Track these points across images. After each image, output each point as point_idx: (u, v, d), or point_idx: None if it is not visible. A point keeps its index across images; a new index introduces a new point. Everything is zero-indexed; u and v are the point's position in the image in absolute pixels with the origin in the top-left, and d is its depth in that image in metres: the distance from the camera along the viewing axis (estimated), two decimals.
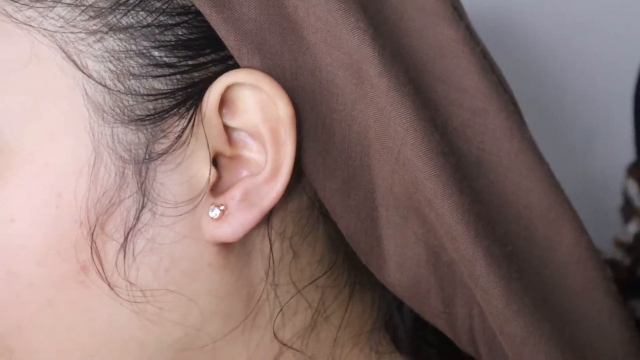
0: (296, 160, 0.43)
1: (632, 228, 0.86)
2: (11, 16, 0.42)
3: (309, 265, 0.46)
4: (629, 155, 0.90)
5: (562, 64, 0.95)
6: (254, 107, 0.42)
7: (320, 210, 0.45)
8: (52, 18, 0.42)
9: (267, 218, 0.44)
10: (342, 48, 0.42)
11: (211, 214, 0.43)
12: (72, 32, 0.42)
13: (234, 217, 0.43)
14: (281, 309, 0.45)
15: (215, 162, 0.43)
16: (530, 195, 0.44)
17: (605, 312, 0.44)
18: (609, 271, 0.45)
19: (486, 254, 0.42)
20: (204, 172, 0.42)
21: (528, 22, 0.91)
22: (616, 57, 0.94)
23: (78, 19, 0.42)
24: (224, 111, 0.43)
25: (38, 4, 0.42)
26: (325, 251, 0.46)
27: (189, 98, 0.42)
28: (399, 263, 0.45)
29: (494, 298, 0.42)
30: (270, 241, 0.44)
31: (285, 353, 0.46)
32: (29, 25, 0.42)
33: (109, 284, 0.42)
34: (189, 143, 0.42)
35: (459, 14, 0.45)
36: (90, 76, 0.41)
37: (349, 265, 0.47)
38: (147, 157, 0.42)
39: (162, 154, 0.42)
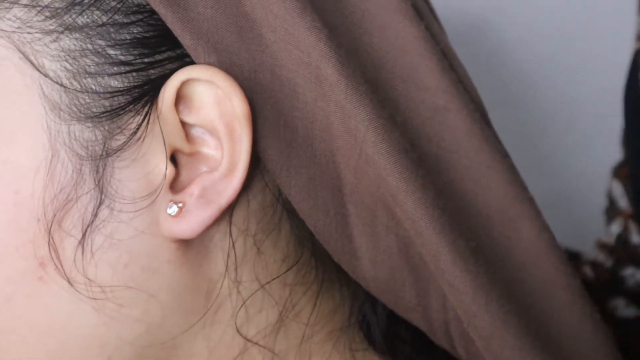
0: (258, 158, 0.43)
1: (614, 229, 0.86)
2: None
3: (274, 261, 0.46)
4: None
5: (561, 64, 0.94)
6: (210, 103, 0.43)
7: (285, 207, 0.46)
8: (9, 19, 0.42)
9: (229, 215, 0.44)
10: (300, 46, 0.42)
11: (169, 211, 0.43)
12: (28, 33, 0.42)
13: (192, 214, 0.43)
14: (243, 305, 0.46)
15: (174, 159, 0.43)
16: (489, 193, 0.45)
17: (566, 308, 0.45)
18: (571, 267, 0.45)
19: (451, 248, 0.43)
20: (161, 168, 0.43)
21: (528, 22, 0.91)
22: (616, 57, 0.93)
23: (34, 19, 0.42)
24: (181, 107, 0.43)
25: None
26: (291, 248, 0.46)
27: (144, 94, 0.42)
28: (372, 259, 0.45)
29: (460, 292, 0.43)
30: (231, 238, 0.45)
31: (250, 350, 0.46)
32: None
33: (68, 280, 0.43)
34: (144, 139, 0.43)
35: (419, 13, 0.45)
36: (46, 75, 0.42)
37: (316, 262, 0.47)
38: (103, 153, 0.42)
39: (118, 150, 0.42)
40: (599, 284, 0.80)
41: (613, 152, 0.92)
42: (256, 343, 0.46)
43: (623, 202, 0.87)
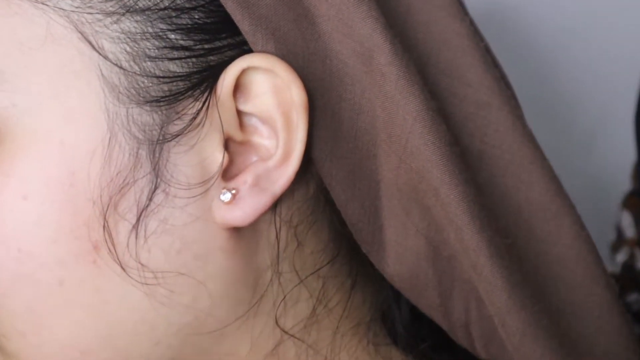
0: (305, 147, 0.43)
1: (620, 257, 0.87)
2: None
3: (312, 254, 0.46)
4: (628, 157, 0.90)
5: (562, 63, 0.95)
6: (268, 91, 0.43)
7: (326, 200, 0.46)
8: None
9: (275, 205, 0.44)
10: (353, 36, 0.42)
11: (222, 198, 0.43)
12: (88, 13, 0.42)
13: (246, 202, 0.43)
14: (284, 297, 0.46)
15: (226, 147, 0.43)
16: (532, 188, 0.45)
17: (605, 306, 0.45)
18: (605, 266, 0.45)
19: (490, 244, 0.43)
20: (217, 155, 0.43)
21: (528, 22, 0.91)
22: (616, 57, 0.94)
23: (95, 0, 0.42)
24: (238, 95, 0.43)
25: None
26: (329, 241, 0.47)
27: (204, 81, 0.42)
28: (399, 254, 0.45)
29: (497, 289, 0.43)
30: (276, 229, 0.45)
31: (285, 342, 0.47)
32: (45, 4, 0.42)
33: (120, 265, 0.42)
34: (203, 125, 0.43)
35: (464, 9, 0.46)
36: (106, 57, 0.42)
37: (351, 257, 0.47)
38: (161, 138, 0.42)
39: (176, 135, 0.42)
40: None
41: (613, 152, 0.93)
42: (293, 335, 0.46)
43: (630, 232, 0.88)
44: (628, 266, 0.86)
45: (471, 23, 0.45)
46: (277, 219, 0.45)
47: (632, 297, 0.82)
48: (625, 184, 0.91)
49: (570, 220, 0.45)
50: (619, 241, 0.88)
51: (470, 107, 0.45)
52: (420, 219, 0.44)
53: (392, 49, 0.42)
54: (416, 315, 0.49)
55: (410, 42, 0.44)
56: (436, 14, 0.45)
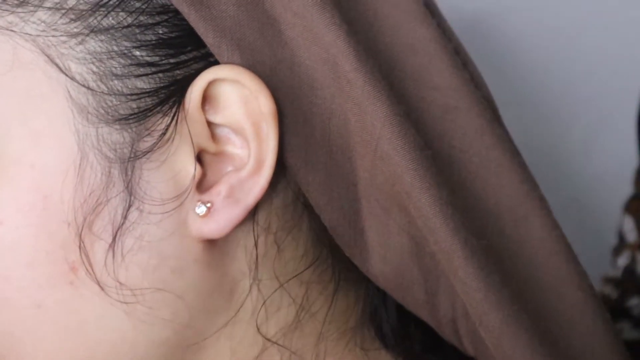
0: (279, 155, 0.43)
1: (621, 262, 0.86)
2: None
3: (292, 259, 0.46)
4: (627, 157, 0.90)
5: (561, 64, 0.95)
6: (236, 103, 0.43)
7: (305, 205, 0.46)
8: (34, 22, 0.42)
9: (253, 213, 0.44)
10: (318, 43, 0.42)
11: (197, 211, 0.43)
12: (53, 36, 0.42)
13: (220, 214, 0.43)
14: (263, 303, 0.46)
15: (200, 159, 0.44)
16: (500, 192, 0.45)
17: (578, 307, 0.45)
18: (581, 267, 0.45)
19: (464, 246, 0.43)
20: (189, 168, 0.43)
21: (528, 23, 0.91)
22: (617, 58, 0.94)
23: (59, 22, 0.42)
24: (207, 107, 0.43)
25: (19, 9, 0.42)
26: (309, 246, 0.46)
27: (171, 95, 0.43)
28: (382, 255, 0.45)
29: (472, 289, 0.43)
30: (255, 236, 0.45)
31: (269, 349, 0.46)
32: (11, 31, 0.42)
33: (98, 284, 0.42)
34: (172, 140, 0.43)
35: (430, 11, 0.46)
36: (73, 78, 0.42)
37: (333, 261, 0.47)
38: (132, 155, 0.42)
39: (147, 151, 0.42)
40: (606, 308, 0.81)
41: (613, 153, 0.93)
42: (275, 342, 0.46)
43: (632, 236, 0.88)
44: (630, 270, 0.86)
45: (438, 26, 0.45)
46: (256, 226, 0.45)
47: (634, 301, 0.82)
48: (626, 187, 0.91)
49: (540, 222, 0.45)
50: (621, 245, 0.88)
51: (438, 111, 0.45)
52: (401, 217, 0.44)
53: (356, 55, 0.42)
54: (404, 317, 0.49)
55: (377, 47, 0.45)
56: (402, 18, 0.45)
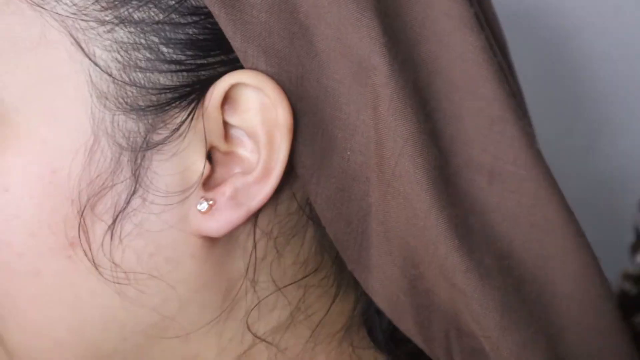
0: (290, 163, 0.44)
1: (639, 259, 0.87)
2: None
3: (293, 265, 0.47)
4: (628, 160, 0.90)
5: (561, 64, 0.94)
6: (255, 109, 0.43)
7: (310, 216, 0.46)
8: (65, 4, 0.43)
9: (255, 217, 0.45)
10: (351, 56, 0.42)
11: (199, 207, 0.44)
12: (83, 20, 0.42)
13: (221, 214, 0.44)
14: (257, 304, 0.46)
15: (210, 156, 0.44)
16: (544, 209, 0.44)
17: (606, 326, 0.44)
18: (611, 290, 0.45)
19: (479, 266, 0.42)
20: (199, 165, 0.43)
21: (528, 22, 0.91)
22: (618, 60, 0.94)
23: (91, 7, 0.42)
24: (226, 107, 0.43)
25: None
26: (311, 254, 0.47)
27: (192, 92, 0.43)
28: (380, 278, 0.45)
29: (490, 310, 0.42)
30: (254, 240, 0.45)
31: (257, 345, 0.47)
32: (42, 8, 0.43)
33: (94, 263, 0.44)
34: (186, 135, 0.43)
35: (480, 21, 0.45)
36: (96, 64, 0.42)
37: (336, 269, 0.48)
38: (144, 145, 0.43)
39: (159, 143, 0.43)
40: (624, 302, 0.82)
41: (614, 153, 0.93)
42: (264, 340, 0.47)
43: None
44: None
45: (487, 38, 0.45)
46: (258, 230, 0.45)
47: None
48: (633, 187, 0.91)
49: (579, 241, 0.44)
50: (638, 242, 0.88)
51: (484, 122, 0.44)
52: (399, 253, 0.44)
53: (389, 70, 0.42)
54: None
55: (421, 56, 0.44)
56: (452, 25, 0.44)
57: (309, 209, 0.46)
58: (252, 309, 0.46)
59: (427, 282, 0.44)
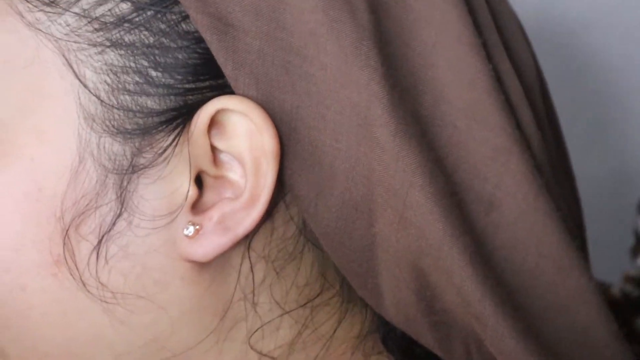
0: (288, 190, 0.44)
1: None
2: (23, 16, 0.43)
3: (295, 287, 0.46)
4: (629, 158, 0.90)
5: (561, 63, 0.94)
6: (242, 135, 0.43)
7: (309, 239, 0.46)
8: (60, 24, 0.43)
9: (248, 241, 0.45)
10: (350, 86, 0.41)
11: (185, 232, 0.43)
12: (75, 41, 0.43)
13: (207, 239, 0.43)
14: (260, 327, 0.46)
15: (201, 180, 0.44)
16: (544, 241, 0.44)
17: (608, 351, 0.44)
18: (610, 313, 0.45)
19: (493, 294, 0.42)
20: (185, 188, 0.43)
21: (528, 21, 0.92)
22: (617, 57, 0.93)
23: (83, 29, 0.43)
24: (213, 132, 0.43)
25: (48, 8, 0.43)
26: (314, 275, 0.46)
27: (179, 116, 0.43)
28: (394, 303, 0.45)
29: (506, 337, 0.42)
30: (250, 263, 0.45)
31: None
32: (37, 29, 0.43)
33: (81, 281, 0.44)
34: (170, 159, 0.43)
35: (487, 52, 0.44)
36: (86, 86, 0.43)
37: (345, 289, 0.47)
38: (130, 169, 0.43)
39: (145, 167, 0.43)
40: (626, 305, 0.82)
41: (613, 152, 0.93)
42: (271, 357, 0.47)
43: None
44: None
45: (495, 69, 0.44)
46: (253, 254, 0.45)
47: None
48: (634, 185, 0.91)
49: (578, 274, 0.44)
50: (638, 245, 0.88)
51: (489, 151, 0.43)
52: (411, 278, 0.44)
53: (389, 100, 0.41)
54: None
55: (425, 81, 0.43)
56: (464, 52, 0.43)
57: (307, 233, 0.45)
58: (255, 330, 0.46)
59: (443, 302, 0.44)
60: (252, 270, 0.45)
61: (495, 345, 0.43)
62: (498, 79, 0.44)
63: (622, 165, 0.93)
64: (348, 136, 0.42)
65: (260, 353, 0.46)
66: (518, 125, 0.44)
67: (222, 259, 0.44)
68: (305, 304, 0.46)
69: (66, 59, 0.43)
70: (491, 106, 0.43)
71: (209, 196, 0.44)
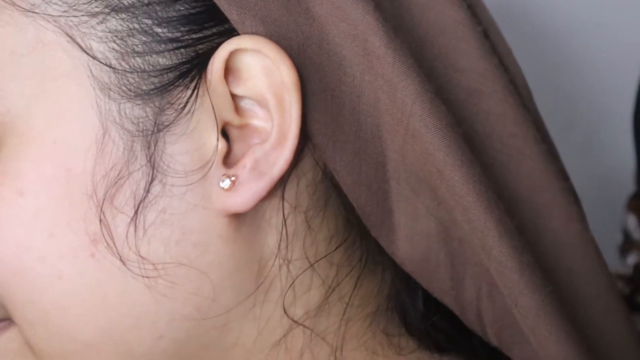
0: (307, 133, 0.44)
1: (631, 260, 0.87)
2: (16, 5, 0.43)
3: (323, 240, 0.46)
4: (627, 156, 0.90)
5: (561, 62, 0.95)
6: (259, 74, 0.43)
7: (334, 184, 0.46)
8: (55, 3, 0.43)
9: (282, 190, 0.44)
10: (347, 19, 0.42)
11: (222, 184, 0.43)
12: (74, 16, 0.42)
13: (245, 187, 0.43)
14: (292, 284, 0.45)
15: (226, 133, 0.44)
16: (518, 180, 0.44)
17: (594, 302, 0.45)
18: (602, 262, 0.46)
19: (498, 224, 0.42)
20: (213, 141, 0.43)
21: (527, 20, 0.91)
22: (616, 57, 0.94)
23: (80, 2, 0.43)
24: (230, 79, 0.43)
25: None
26: (339, 226, 0.46)
27: (193, 68, 0.43)
28: (409, 237, 0.45)
29: (508, 269, 0.42)
30: (284, 214, 0.45)
31: (294, 330, 0.46)
32: (34, 12, 0.43)
33: (120, 258, 0.43)
34: (194, 112, 0.43)
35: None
36: (95, 57, 0.42)
37: (361, 242, 0.47)
38: (154, 129, 0.43)
39: (169, 124, 0.43)
40: None
41: (612, 152, 0.93)
42: (302, 324, 0.46)
43: (638, 234, 0.89)
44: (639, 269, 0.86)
45: (469, 8, 0.45)
46: (286, 205, 0.45)
47: None
48: (630, 184, 0.92)
49: (557, 214, 0.45)
50: (627, 243, 0.89)
51: (462, 94, 0.44)
52: (430, 199, 0.44)
53: (385, 31, 0.42)
54: (430, 306, 0.49)
55: (406, 24, 0.44)
56: None
57: (332, 177, 0.45)
58: (288, 288, 0.45)
59: (460, 229, 0.44)
60: (285, 222, 0.45)
61: (499, 278, 0.43)
62: (471, 22, 0.45)
63: (610, 164, 0.93)
64: (352, 68, 0.43)
65: (292, 319, 0.46)
66: (496, 66, 0.45)
67: (257, 212, 0.44)
68: (332, 252, 0.46)
69: (69, 36, 0.43)
70: (460, 51, 0.44)
71: (237, 148, 0.44)
